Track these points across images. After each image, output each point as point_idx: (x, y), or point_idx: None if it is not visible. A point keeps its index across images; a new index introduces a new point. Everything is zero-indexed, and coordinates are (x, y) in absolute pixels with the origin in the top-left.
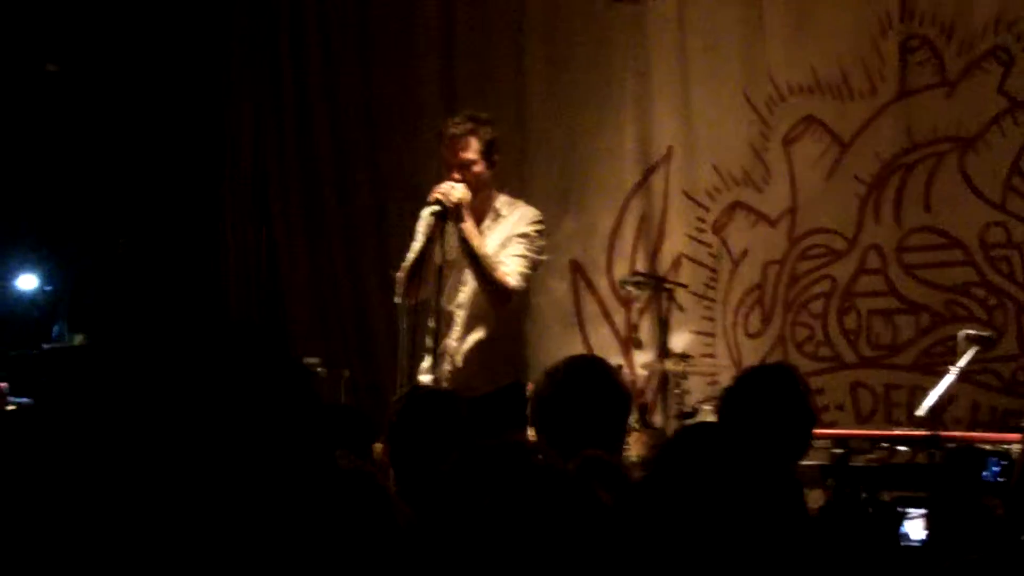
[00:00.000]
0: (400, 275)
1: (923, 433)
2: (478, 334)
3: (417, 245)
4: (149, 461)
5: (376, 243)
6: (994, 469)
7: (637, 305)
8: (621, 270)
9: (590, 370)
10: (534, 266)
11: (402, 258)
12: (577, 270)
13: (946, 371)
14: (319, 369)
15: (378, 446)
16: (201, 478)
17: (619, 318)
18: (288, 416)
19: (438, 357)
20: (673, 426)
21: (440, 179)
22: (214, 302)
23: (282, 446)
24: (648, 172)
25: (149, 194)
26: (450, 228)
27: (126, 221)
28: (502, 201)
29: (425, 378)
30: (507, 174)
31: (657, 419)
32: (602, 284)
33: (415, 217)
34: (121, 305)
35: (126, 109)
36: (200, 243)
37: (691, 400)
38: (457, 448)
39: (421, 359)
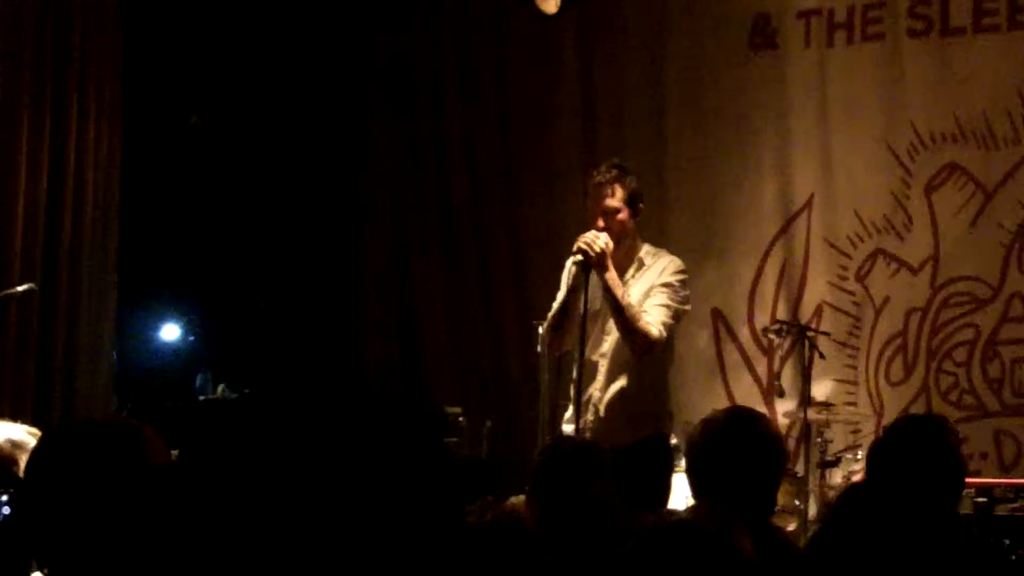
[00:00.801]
0: (544, 326)
1: None
2: (621, 384)
3: (561, 295)
4: (285, 521)
5: (514, 295)
6: None
7: (779, 354)
8: (762, 319)
9: (746, 422)
10: (677, 316)
11: (541, 309)
12: (718, 319)
13: None
14: (460, 419)
15: (520, 498)
16: (333, 544)
17: (761, 367)
18: (421, 487)
19: (581, 407)
20: (816, 474)
21: (583, 229)
22: (354, 359)
23: (415, 515)
24: (789, 221)
25: (291, 249)
26: (594, 278)
27: (268, 276)
28: (645, 251)
29: (568, 428)
30: (648, 225)
31: (799, 468)
32: (743, 333)
33: (554, 269)
34: (265, 362)
35: (268, 166)
36: (341, 300)
37: (833, 449)
38: (602, 502)
39: (564, 408)
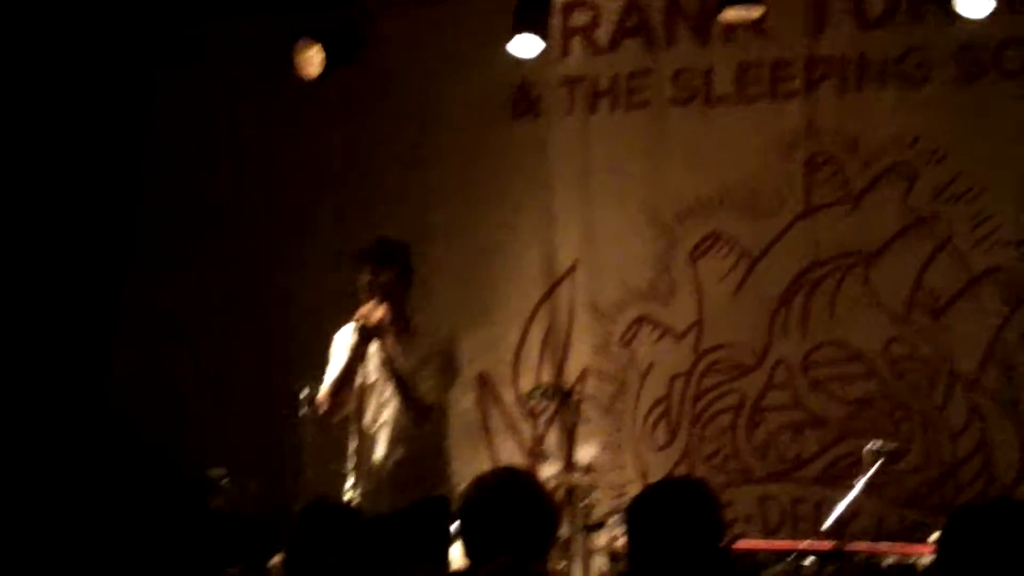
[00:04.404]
0: (322, 394)
1: (830, 545)
2: (401, 451)
3: (336, 365)
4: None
5: (276, 356)
6: None
7: (543, 418)
8: (527, 382)
9: (517, 480)
10: (451, 382)
11: (302, 372)
12: (484, 383)
13: (852, 484)
14: (224, 480)
15: (277, 559)
16: None
17: (526, 430)
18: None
19: (360, 476)
20: (581, 537)
21: (347, 294)
22: (111, 419)
23: (167, 561)
24: (553, 286)
25: (48, 294)
26: (371, 349)
27: (24, 328)
28: (419, 318)
29: (349, 496)
30: (413, 288)
31: (564, 531)
32: (508, 397)
33: (316, 335)
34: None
35: (35, 211)
36: (97, 360)
37: (598, 512)
38: (355, 562)
39: (336, 473)
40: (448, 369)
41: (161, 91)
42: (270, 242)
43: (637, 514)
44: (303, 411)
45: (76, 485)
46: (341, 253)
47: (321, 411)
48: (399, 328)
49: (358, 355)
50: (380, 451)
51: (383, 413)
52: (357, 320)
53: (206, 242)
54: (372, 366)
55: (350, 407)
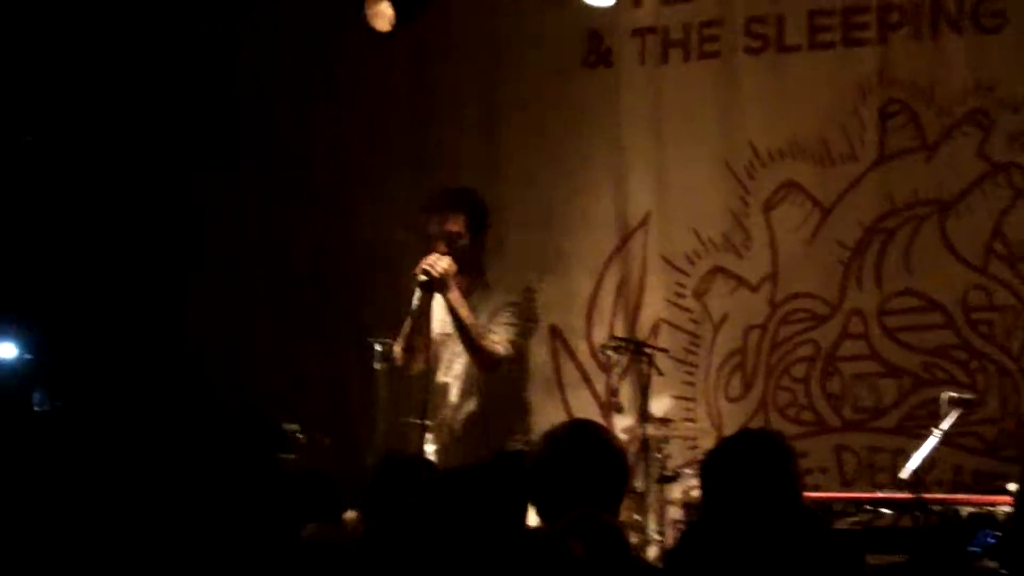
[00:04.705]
0: (397, 347)
1: (906, 496)
2: (473, 404)
3: (409, 318)
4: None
5: (349, 313)
6: (989, 540)
7: (617, 370)
8: (600, 335)
9: (588, 433)
10: (525, 333)
11: (376, 328)
12: (557, 336)
13: (929, 433)
14: (299, 436)
15: (352, 514)
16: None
17: (599, 383)
18: (248, 490)
19: (435, 428)
20: (655, 490)
21: (419, 247)
22: (187, 376)
23: (241, 519)
24: (626, 238)
25: (122, 266)
26: (439, 300)
27: (101, 294)
28: (491, 272)
29: (428, 448)
30: (487, 242)
31: (639, 483)
32: (581, 349)
33: (390, 288)
34: (99, 378)
35: (101, 183)
36: (174, 318)
37: (672, 464)
38: (431, 516)
39: (410, 428)
40: (521, 321)
41: (231, 45)
42: (343, 195)
43: (712, 466)
44: (378, 365)
45: (158, 441)
46: (414, 205)
47: (394, 365)
48: (472, 279)
49: (424, 306)
50: (452, 404)
51: (455, 365)
52: (420, 271)
53: (278, 196)
54: (445, 317)
55: (422, 360)
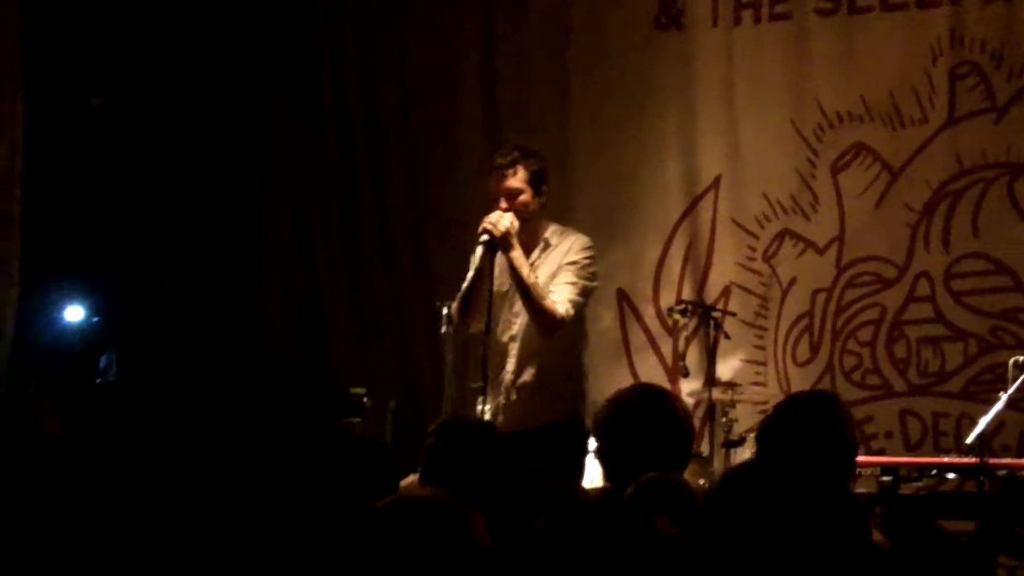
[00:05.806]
0: (454, 307)
1: (972, 461)
2: (533, 365)
3: (469, 277)
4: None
5: (417, 275)
6: None
7: (684, 334)
8: (668, 299)
9: (653, 398)
10: (585, 293)
11: (444, 290)
12: (623, 299)
13: (995, 398)
14: (365, 400)
15: (412, 477)
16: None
17: (666, 347)
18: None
19: (493, 390)
20: (721, 453)
21: (486, 210)
22: (257, 340)
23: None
24: (695, 201)
25: (193, 230)
26: (500, 259)
27: (170, 256)
28: (551, 231)
29: (486, 409)
30: (553, 204)
31: (704, 448)
32: (648, 313)
33: (456, 250)
34: (163, 342)
35: (170, 147)
36: (243, 281)
37: (739, 429)
38: (492, 480)
39: (473, 390)
40: (580, 280)
41: (297, 7)
42: (410, 158)
43: (766, 430)
44: (444, 329)
45: (224, 406)
46: (482, 167)
47: (447, 323)
48: (533, 237)
49: (485, 265)
50: (511, 366)
51: (513, 326)
52: (482, 230)
53: (349, 159)
54: (503, 277)
55: (481, 320)
